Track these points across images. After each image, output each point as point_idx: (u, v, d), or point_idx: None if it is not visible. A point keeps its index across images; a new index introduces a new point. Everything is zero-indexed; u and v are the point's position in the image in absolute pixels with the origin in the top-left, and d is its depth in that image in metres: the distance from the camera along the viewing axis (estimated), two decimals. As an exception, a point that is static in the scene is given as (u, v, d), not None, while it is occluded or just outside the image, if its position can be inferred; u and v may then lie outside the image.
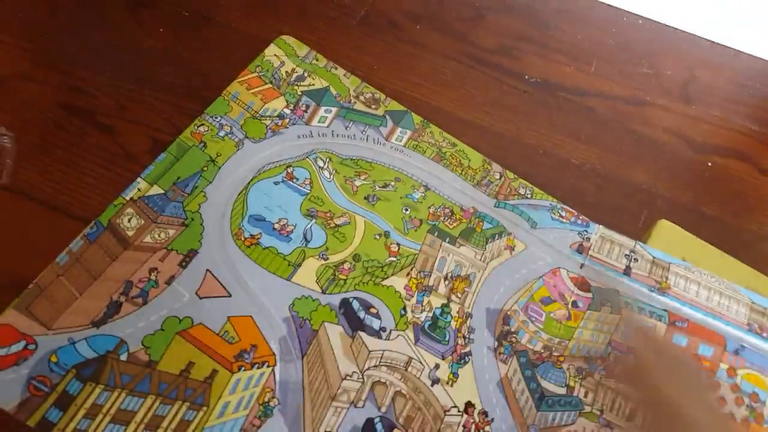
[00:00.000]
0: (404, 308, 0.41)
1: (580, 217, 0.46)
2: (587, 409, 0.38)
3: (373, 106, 0.49)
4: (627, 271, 0.43)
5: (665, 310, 0.42)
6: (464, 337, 0.40)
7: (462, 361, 0.39)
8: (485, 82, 0.53)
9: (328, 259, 0.42)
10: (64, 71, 0.48)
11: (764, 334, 0.41)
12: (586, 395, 0.38)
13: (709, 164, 0.52)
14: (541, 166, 0.49)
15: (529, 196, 0.47)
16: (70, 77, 0.48)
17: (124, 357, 0.36)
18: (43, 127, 0.45)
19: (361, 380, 0.37)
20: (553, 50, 0.56)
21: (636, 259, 0.44)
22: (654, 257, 0.44)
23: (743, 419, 0.38)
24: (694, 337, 0.41)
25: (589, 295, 0.43)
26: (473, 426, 0.37)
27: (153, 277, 0.39)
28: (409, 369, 0.38)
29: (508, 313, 0.41)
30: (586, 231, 0.45)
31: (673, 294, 0.42)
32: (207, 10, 0.53)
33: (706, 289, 0.43)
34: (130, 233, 0.40)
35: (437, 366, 0.39)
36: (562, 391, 0.39)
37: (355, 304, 0.40)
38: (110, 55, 0.49)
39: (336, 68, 0.51)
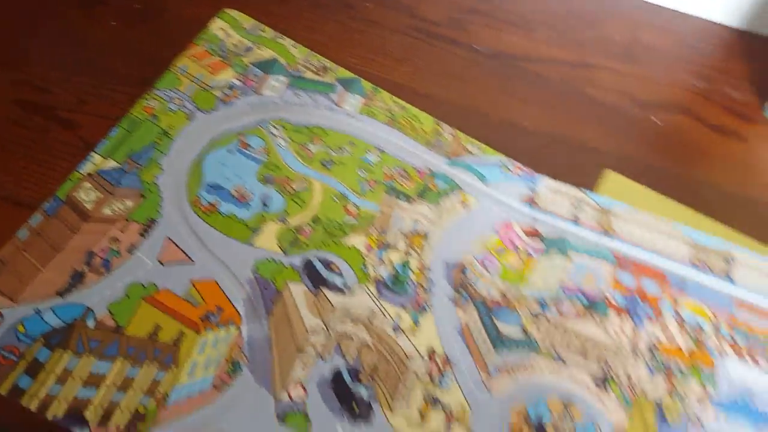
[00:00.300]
0: (365, 265, 0.43)
1: (528, 171, 0.49)
2: (542, 348, 0.41)
3: (323, 74, 0.51)
4: (574, 219, 0.47)
5: (611, 252, 0.45)
6: (424, 289, 0.43)
7: (423, 311, 0.42)
8: (437, 54, 0.56)
9: (287, 222, 0.44)
10: (18, 69, 0.48)
11: (704, 268, 0.45)
12: (540, 335, 0.42)
13: (655, 120, 0.55)
14: (494, 130, 0.51)
15: (478, 154, 0.50)
16: (25, 74, 0.48)
17: (91, 324, 0.37)
18: (1, 126, 0.45)
19: (327, 334, 0.40)
20: (501, 21, 0.59)
21: (582, 207, 0.47)
22: (599, 204, 0.47)
23: (687, 346, 0.42)
24: (638, 274, 0.44)
25: (540, 243, 0.46)
26: (436, 370, 0.40)
27: (115, 247, 0.40)
28: (373, 321, 0.41)
29: (465, 263, 0.44)
30: (534, 183, 0.48)
31: (618, 236, 0.46)
32: (158, 1, 0.54)
33: (648, 230, 0.46)
34: (88, 206, 0.41)
35: (399, 316, 0.41)
36: (518, 332, 0.42)
37: (317, 264, 0.42)
38: (64, 50, 0.50)
39: (283, 38, 0.52)
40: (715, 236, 0.46)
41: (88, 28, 0.52)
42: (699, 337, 0.42)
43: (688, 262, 0.45)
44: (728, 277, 0.44)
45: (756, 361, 0.41)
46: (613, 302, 0.43)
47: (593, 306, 0.43)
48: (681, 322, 0.42)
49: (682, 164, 0.53)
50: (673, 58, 0.59)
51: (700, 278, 0.44)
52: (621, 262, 0.45)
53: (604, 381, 0.40)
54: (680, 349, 0.41)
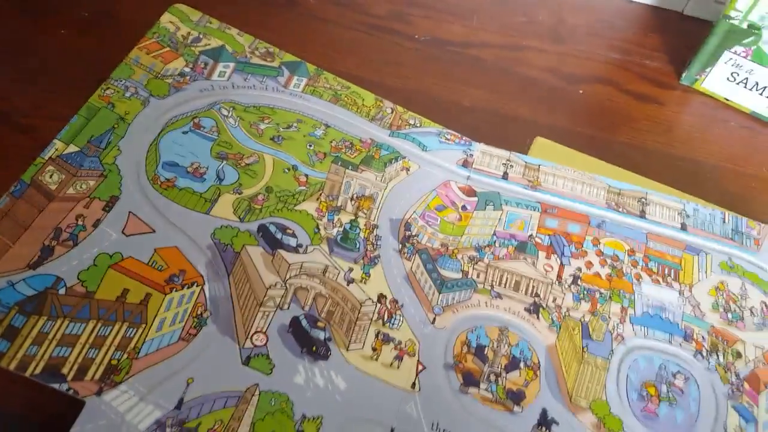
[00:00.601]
0: (317, 227, 0.47)
1: (464, 139, 0.54)
2: (480, 286, 0.46)
3: (269, 59, 0.55)
4: (505, 176, 0.52)
5: (538, 202, 0.50)
6: (372, 244, 0.47)
7: (372, 263, 0.46)
8: (381, 45, 0.61)
9: (242, 193, 0.48)
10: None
11: (620, 209, 0.50)
12: (478, 276, 0.46)
13: (580, 92, 0.61)
14: (436, 110, 0.56)
15: (418, 125, 0.54)
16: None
17: (62, 292, 0.41)
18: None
19: (284, 288, 0.44)
20: (439, 11, 0.65)
21: (511, 166, 0.52)
22: (526, 162, 0.53)
23: (607, 275, 0.47)
24: (563, 219, 0.50)
25: (475, 199, 0.51)
26: (386, 312, 0.44)
27: (80, 222, 0.43)
28: (327, 274, 0.45)
29: (408, 220, 0.49)
30: (470, 149, 0.53)
31: (544, 188, 0.51)
32: (106, 8, 0.57)
33: (570, 180, 0.52)
34: (53, 187, 0.44)
35: (351, 269, 0.46)
36: (459, 275, 0.46)
37: (272, 228, 0.47)
38: (15, 60, 0.53)
39: (229, 29, 0.57)
40: (630, 183, 0.52)
41: (38, 37, 0.55)
42: (617, 266, 0.47)
43: (606, 205, 0.51)
44: (642, 215, 0.50)
45: (667, 283, 0.47)
46: (541, 243, 0.48)
47: (523, 247, 0.48)
48: (601, 255, 0.48)
49: (607, 129, 0.58)
50: (595, 36, 0.65)
51: (617, 218, 0.50)
52: (547, 209, 0.50)
53: (535, 309, 0.45)
54: (601, 277, 0.47)
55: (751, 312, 0.47)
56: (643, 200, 0.51)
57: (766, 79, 0.57)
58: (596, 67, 0.63)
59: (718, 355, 0.44)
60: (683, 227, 0.50)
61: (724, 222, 0.51)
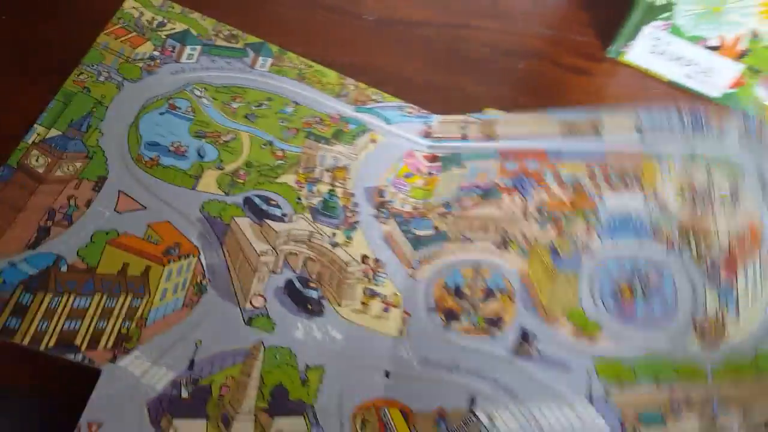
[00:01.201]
0: (299, 197, 0.51)
1: (422, 111, 0.59)
2: (451, 236, 0.51)
3: (233, 41, 0.58)
4: (463, 137, 0.57)
5: (497, 151, 0.56)
6: (351, 211, 0.52)
7: (353, 228, 0.51)
8: (329, 24, 0.64)
9: (224, 168, 0.51)
10: None
11: (575, 136, 0.56)
12: (448, 228, 0.52)
13: (520, 66, 0.67)
14: (389, 85, 0.61)
15: (380, 100, 0.59)
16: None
17: (64, 269, 0.43)
18: None
19: (275, 254, 0.48)
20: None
21: (468, 126, 0.58)
22: (481, 119, 0.58)
23: (570, 198, 0.53)
24: (521, 159, 0.55)
25: (439, 163, 0.56)
26: (370, 270, 0.49)
27: (72, 203, 0.46)
28: (312, 239, 0.49)
29: (381, 188, 0.54)
30: (429, 120, 0.59)
31: (501, 138, 0.57)
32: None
33: (524, 125, 0.58)
34: (41, 170, 0.46)
35: (334, 234, 0.50)
36: (431, 232, 0.52)
37: (257, 200, 0.50)
38: None
39: (192, 13, 0.59)
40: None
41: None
42: (578, 188, 0.54)
43: (560, 136, 0.57)
44: (598, 136, 0.56)
45: (630, 191, 0.53)
46: (503, 186, 0.54)
47: (487, 194, 0.54)
48: (561, 181, 0.54)
49: (545, 99, 0.65)
50: (530, 14, 0.72)
51: (573, 145, 0.56)
52: (505, 155, 0.56)
53: (504, 243, 0.51)
54: (563, 201, 0.53)
55: (720, 198, 0.51)
56: (597, 123, 0.57)
57: (682, 51, 0.65)
58: (532, 42, 0.70)
59: (691, 248, 0.49)
60: (640, 134, 0.56)
61: (681, 118, 0.56)
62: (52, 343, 0.40)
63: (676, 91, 0.68)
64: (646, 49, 0.66)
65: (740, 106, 0.65)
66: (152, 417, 0.40)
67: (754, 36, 0.61)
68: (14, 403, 0.40)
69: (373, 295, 0.48)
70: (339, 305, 0.47)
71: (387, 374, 0.45)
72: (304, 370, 0.43)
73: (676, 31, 0.64)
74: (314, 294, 0.47)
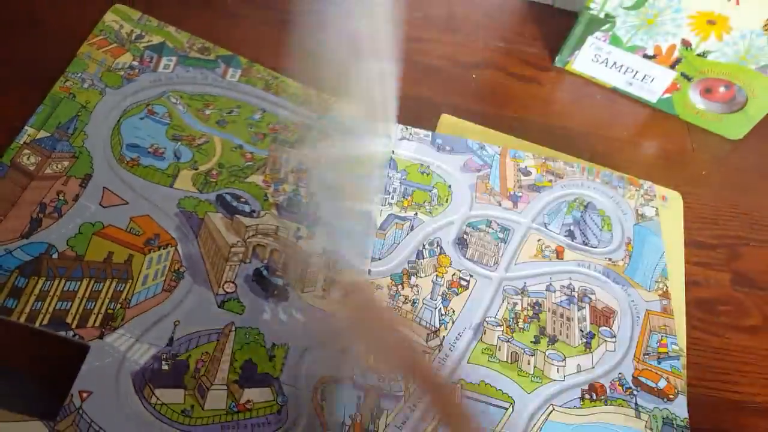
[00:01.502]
0: (266, 195, 0.57)
1: (381, 118, 0.66)
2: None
3: (206, 53, 0.64)
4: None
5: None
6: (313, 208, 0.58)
7: (315, 224, 0.57)
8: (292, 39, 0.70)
9: (198, 168, 0.57)
10: None
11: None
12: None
13: (474, 76, 0.74)
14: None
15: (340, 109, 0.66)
16: None
17: (55, 256, 0.48)
18: None
19: (244, 246, 0.54)
20: (340, 6, 0.75)
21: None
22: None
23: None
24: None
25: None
26: (331, 261, 0.55)
27: (61, 197, 0.51)
28: (278, 233, 0.55)
29: (341, 187, 0.60)
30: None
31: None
32: (30, 10, 0.63)
33: None
34: (32, 168, 0.52)
35: (298, 228, 0.56)
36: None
37: (227, 197, 0.56)
38: None
39: (167, 26, 0.65)
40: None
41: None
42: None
43: None
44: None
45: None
46: None
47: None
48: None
49: (498, 106, 0.72)
50: (482, 27, 0.80)
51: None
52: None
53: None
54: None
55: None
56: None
57: (622, 59, 0.73)
58: (484, 54, 0.77)
59: None
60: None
61: None
62: (45, 322, 0.46)
63: (617, 96, 0.76)
64: (590, 58, 0.74)
65: (674, 110, 0.74)
66: (136, 387, 0.45)
67: (686, 45, 0.69)
68: (14, 375, 0.45)
69: (333, 282, 0.54)
70: (302, 291, 0.53)
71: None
72: (271, 348, 0.50)
73: (616, 41, 0.72)
74: (280, 281, 0.53)
